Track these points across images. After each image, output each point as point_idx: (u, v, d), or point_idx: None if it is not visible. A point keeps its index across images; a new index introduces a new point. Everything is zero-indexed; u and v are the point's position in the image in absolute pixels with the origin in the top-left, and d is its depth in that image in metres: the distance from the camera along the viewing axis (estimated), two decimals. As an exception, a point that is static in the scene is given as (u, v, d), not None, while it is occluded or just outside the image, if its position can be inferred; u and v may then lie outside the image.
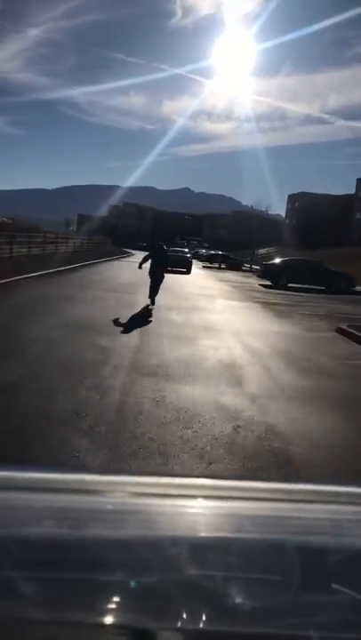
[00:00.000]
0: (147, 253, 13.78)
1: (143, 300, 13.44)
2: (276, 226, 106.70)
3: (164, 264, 13.74)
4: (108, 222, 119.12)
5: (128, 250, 69.61)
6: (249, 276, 33.99)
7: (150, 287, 13.19)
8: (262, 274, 26.16)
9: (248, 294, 19.53)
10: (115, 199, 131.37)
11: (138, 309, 12.31)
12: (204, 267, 43.06)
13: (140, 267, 13.29)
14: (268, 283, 25.02)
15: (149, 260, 13.39)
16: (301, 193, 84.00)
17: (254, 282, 28.05)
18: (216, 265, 45.44)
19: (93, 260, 30.87)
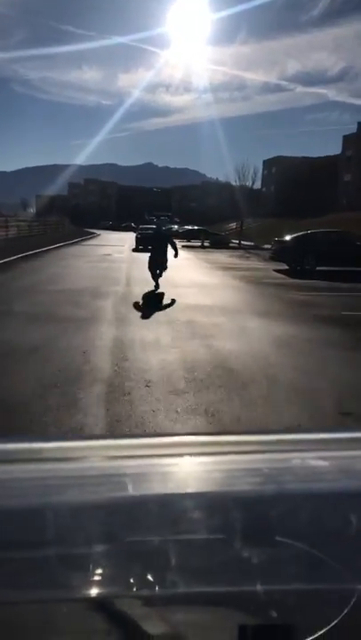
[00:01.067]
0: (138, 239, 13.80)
1: (109, 354, 6.18)
2: (250, 196, 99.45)
3: (166, 250, 11.97)
4: (69, 202, 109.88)
5: (92, 230, 61.71)
6: (247, 257, 26.98)
7: (153, 276, 11.86)
8: (278, 255, 18.96)
9: (288, 297, 11.85)
10: (75, 178, 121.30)
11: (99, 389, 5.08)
12: (183, 246, 35.48)
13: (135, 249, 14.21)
14: (285, 267, 17.89)
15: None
16: (278, 157, 76.22)
17: (262, 266, 20.88)
18: (198, 243, 37.86)
19: (43, 248, 23.45)
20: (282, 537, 0.68)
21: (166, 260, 12.18)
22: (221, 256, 27.13)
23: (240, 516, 0.74)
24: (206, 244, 37.35)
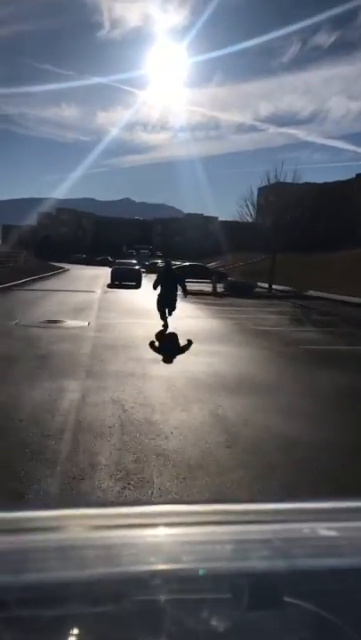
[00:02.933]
0: (157, 276, 12.26)
1: None
2: (243, 229, 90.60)
3: (175, 289, 11.63)
4: (39, 233, 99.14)
5: (60, 265, 50.95)
6: (338, 323, 15.85)
7: (161, 314, 11.48)
8: None
9: None
10: (50, 210, 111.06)
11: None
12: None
13: (154, 288, 11.78)
14: None
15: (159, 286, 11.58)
16: (278, 184, 66.99)
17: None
18: (204, 287, 26.22)
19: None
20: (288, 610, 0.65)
21: (176, 300, 11.71)
22: (281, 320, 15.69)
23: (233, 596, 0.70)
24: (221, 289, 25.49)
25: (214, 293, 24.03)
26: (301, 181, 67.40)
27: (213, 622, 0.64)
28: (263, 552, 0.80)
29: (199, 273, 34.32)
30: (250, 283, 27.48)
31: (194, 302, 18.54)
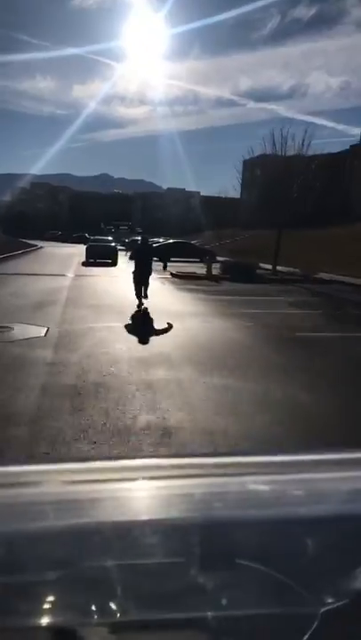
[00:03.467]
0: (134, 250, 12.67)
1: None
2: (221, 205, 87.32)
3: (150, 266, 11.76)
4: (13, 209, 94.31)
5: (33, 242, 47.22)
6: None
7: (137, 290, 11.41)
8: None
9: None
10: (25, 184, 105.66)
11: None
12: (175, 276, 20.40)
13: (131, 258, 12.57)
14: None
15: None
16: (263, 156, 63.47)
17: None
18: (197, 269, 23.07)
19: None
20: (243, 560, 0.67)
21: (149, 276, 11.66)
22: (316, 318, 11.84)
23: (199, 540, 0.73)
24: (217, 270, 21.59)
25: (209, 277, 19.94)
26: (292, 153, 63.21)
27: (202, 573, 0.66)
28: (233, 503, 0.84)
29: (187, 251, 31.32)
30: (251, 263, 23.44)
31: (189, 290, 15.50)
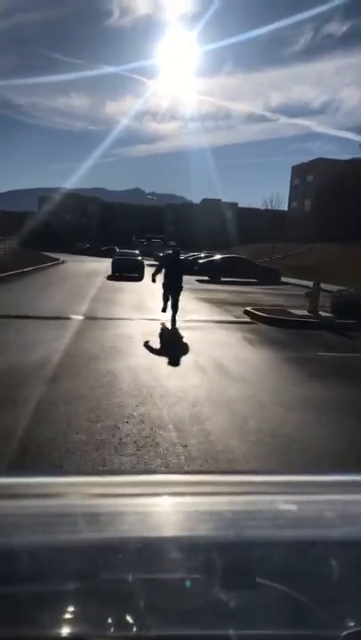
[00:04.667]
0: (160, 263, 11.51)
1: None
2: (262, 218, 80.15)
3: (181, 281, 10.63)
4: (40, 220, 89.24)
5: (56, 256, 41.14)
6: None
7: (168, 304, 10.49)
8: None
9: None
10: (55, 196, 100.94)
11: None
12: (255, 317, 11.70)
13: (153, 279, 11.14)
14: None
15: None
16: (319, 160, 56.23)
17: None
18: (279, 301, 15.93)
19: None
20: (263, 579, 0.67)
21: (180, 293, 10.49)
22: None
23: (219, 558, 0.73)
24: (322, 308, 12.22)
25: (322, 322, 11.21)
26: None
27: (209, 591, 0.65)
28: (257, 522, 0.83)
29: (242, 269, 24.24)
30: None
31: (322, 371, 7.25)
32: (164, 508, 0.86)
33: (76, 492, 0.88)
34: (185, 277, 10.83)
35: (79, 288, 17.14)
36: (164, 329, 9.83)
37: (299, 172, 60.03)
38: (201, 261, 25.63)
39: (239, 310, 12.74)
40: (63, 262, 36.60)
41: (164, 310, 10.52)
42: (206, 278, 23.59)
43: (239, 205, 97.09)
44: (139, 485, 0.94)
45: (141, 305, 13.49)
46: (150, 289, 14.61)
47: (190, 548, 0.73)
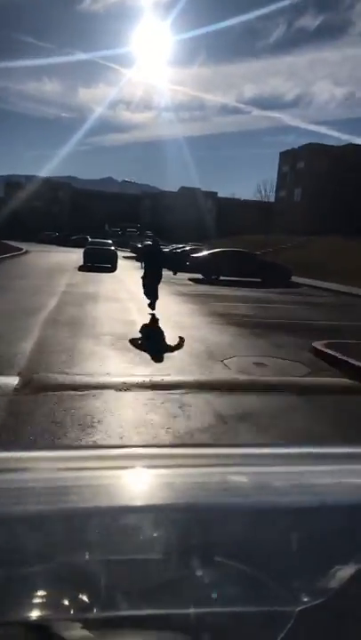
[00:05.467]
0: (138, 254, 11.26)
1: None
2: (245, 208, 75.93)
3: (160, 274, 10.10)
4: (6, 206, 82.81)
5: (19, 245, 35.76)
6: None
7: (146, 292, 9.99)
8: None
9: None
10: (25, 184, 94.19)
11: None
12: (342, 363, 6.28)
13: (142, 266, 10.44)
14: None
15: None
16: (311, 145, 51.72)
17: None
18: (304, 311, 11.98)
19: None
20: (221, 556, 0.67)
21: (158, 283, 10.02)
22: None
23: (181, 532, 0.74)
24: None
25: None
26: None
27: (164, 569, 0.65)
28: (209, 493, 0.85)
29: (245, 266, 19.52)
30: None
31: None
32: (121, 480, 0.86)
33: (48, 466, 0.89)
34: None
35: (33, 295, 11.97)
36: None
37: (287, 158, 55.58)
38: (194, 256, 20.78)
39: (288, 341, 7.95)
40: (26, 253, 31.50)
41: (151, 306, 9.80)
42: (200, 276, 18.96)
43: (218, 195, 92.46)
44: (107, 459, 0.95)
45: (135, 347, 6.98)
46: (136, 297, 9.84)
47: (146, 520, 0.74)
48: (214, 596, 0.61)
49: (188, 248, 28.91)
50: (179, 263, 15.59)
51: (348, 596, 0.60)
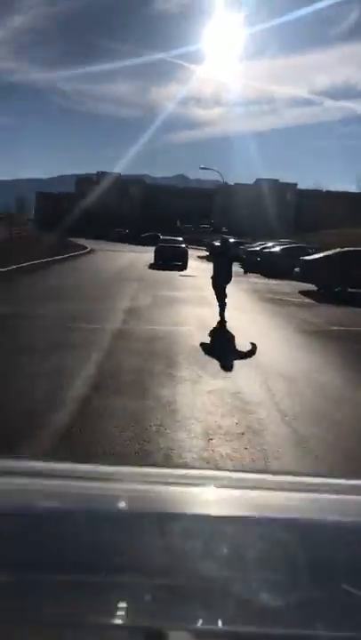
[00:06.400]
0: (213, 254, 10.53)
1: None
2: (328, 200, 69.57)
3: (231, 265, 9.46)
4: (76, 204, 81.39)
5: (83, 243, 32.37)
6: None
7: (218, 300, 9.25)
8: None
9: None
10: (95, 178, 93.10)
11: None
12: None
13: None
14: None
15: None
16: None
17: None
18: None
19: None
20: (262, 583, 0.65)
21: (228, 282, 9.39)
22: None
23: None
24: None
25: None
26: None
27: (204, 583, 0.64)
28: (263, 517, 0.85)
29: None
30: None
31: None
32: (160, 495, 0.88)
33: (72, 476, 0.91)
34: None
35: (102, 296, 7.83)
36: None
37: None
38: (305, 258, 15.39)
39: None
40: (90, 252, 27.99)
41: (221, 323, 8.63)
42: (312, 287, 14.05)
43: (298, 187, 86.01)
44: (135, 477, 0.97)
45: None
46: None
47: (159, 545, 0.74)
48: (255, 614, 0.58)
49: (277, 249, 23.67)
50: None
51: None
